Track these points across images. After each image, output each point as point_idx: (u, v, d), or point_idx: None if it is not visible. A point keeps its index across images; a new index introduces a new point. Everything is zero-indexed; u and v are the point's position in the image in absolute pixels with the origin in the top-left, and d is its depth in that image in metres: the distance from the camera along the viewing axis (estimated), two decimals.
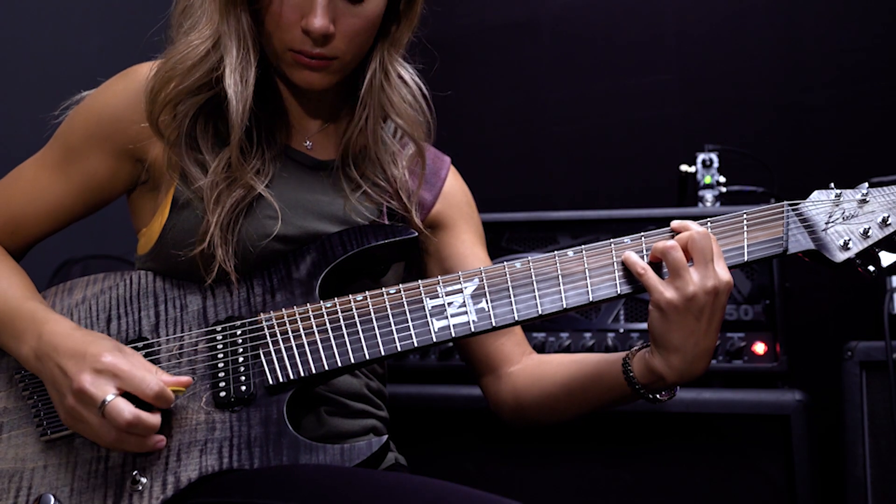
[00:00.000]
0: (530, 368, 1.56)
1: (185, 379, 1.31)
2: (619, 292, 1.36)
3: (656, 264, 1.34)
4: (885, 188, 1.40)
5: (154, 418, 1.26)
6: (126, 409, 1.24)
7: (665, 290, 1.30)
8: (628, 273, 1.36)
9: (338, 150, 1.53)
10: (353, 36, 1.39)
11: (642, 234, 1.38)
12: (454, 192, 1.64)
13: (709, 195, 2.33)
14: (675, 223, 1.36)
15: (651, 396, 1.38)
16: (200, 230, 1.38)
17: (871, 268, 1.38)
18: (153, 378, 1.26)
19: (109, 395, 1.24)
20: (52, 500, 1.30)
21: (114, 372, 1.26)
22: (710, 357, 1.34)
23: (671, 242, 1.31)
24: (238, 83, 1.37)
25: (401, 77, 1.50)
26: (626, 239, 1.38)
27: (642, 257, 1.35)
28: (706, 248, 1.30)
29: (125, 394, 1.26)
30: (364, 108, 1.48)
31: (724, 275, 1.31)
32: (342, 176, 1.52)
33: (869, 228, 1.37)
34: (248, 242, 1.40)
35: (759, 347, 1.97)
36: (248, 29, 1.38)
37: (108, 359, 1.27)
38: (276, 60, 1.43)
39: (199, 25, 1.40)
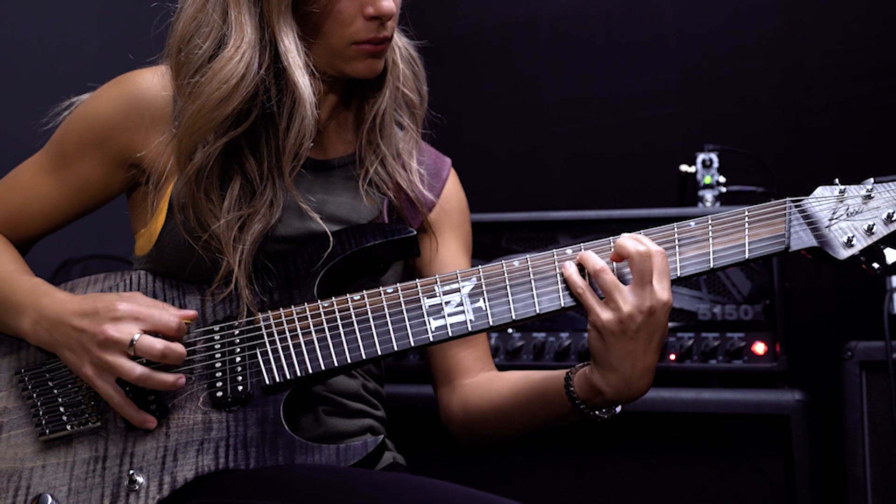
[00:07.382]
0: (482, 381, 1.55)
1: (192, 312, 1.37)
2: None
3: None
4: (890, 184, 1.36)
5: (181, 347, 1.32)
6: (156, 341, 1.30)
7: (602, 312, 1.28)
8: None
9: (338, 149, 1.53)
10: (397, 11, 1.42)
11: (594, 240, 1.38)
12: (451, 197, 1.63)
13: (709, 195, 2.33)
14: (616, 248, 1.31)
15: (591, 413, 1.36)
16: (221, 272, 1.38)
17: (876, 265, 1.34)
18: (169, 315, 1.33)
19: (136, 333, 1.30)
20: (50, 499, 1.31)
21: (133, 316, 1.31)
22: (652, 375, 1.31)
23: (601, 264, 1.30)
24: (304, 76, 1.36)
25: (406, 48, 1.56)
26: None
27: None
28: (644, 269, 1.27)
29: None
30: (385, 87, 1.51)
31: (662, 295, 1.27)
32: (342, 175, 1.52)
33: (873, 225, 1.34)
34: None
35: (759, 347, 1.97)
36: (298, 36, 1.37)
37: (124, 306, 1.32)
38: (333, 59, 1.42)
39: (230, 42, 1.35)
